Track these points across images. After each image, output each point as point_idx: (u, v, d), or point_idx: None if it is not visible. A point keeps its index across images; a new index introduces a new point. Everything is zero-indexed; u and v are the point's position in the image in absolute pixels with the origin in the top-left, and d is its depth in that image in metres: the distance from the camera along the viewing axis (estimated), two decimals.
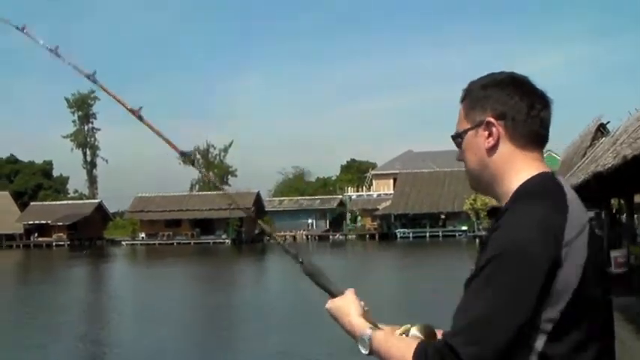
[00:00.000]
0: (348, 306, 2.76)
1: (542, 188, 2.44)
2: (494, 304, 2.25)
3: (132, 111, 3.22)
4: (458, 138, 2.66)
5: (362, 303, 2.78)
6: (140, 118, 3.21)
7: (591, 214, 27.95)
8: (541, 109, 2.53)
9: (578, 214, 2.37)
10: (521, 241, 2.27)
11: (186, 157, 3.47)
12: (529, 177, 2.49)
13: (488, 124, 2.53)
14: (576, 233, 2.31)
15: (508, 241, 2.29)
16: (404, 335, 2.61)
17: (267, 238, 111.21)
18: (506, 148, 2.53)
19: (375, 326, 2.68)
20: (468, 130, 2.61)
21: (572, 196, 2.42)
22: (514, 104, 2.51)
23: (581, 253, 2.31)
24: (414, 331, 2.63)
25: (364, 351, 2.60)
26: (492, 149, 2.55)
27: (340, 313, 2.76)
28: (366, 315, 2.74)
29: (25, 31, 3.36)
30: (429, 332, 2.63)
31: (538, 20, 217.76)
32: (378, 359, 2.55)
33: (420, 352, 2.34)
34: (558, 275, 2.26)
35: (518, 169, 2.52)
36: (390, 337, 2.58)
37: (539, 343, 2.29)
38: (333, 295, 2.86)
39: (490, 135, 2.54)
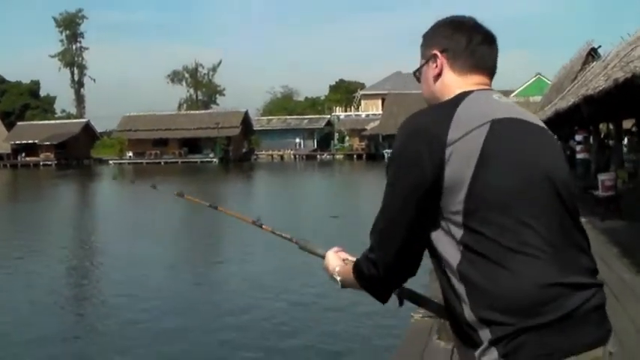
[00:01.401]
0: (328, 263, 3.26)
1: (445, 101, 2.78)
2: (382, 208, 2.75)
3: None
4: (417, 73, 3.05)
5: (345, 255, 3.27)
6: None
7: (580, 138, 27.97)
8: (480, 42, 2.87)
9: (471, 116, 2.62)
10: (397, 149, 2.71)
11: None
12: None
13: (435, 56, 2.91)
14: (463, 133, 2.56)
15: (392, 148, 2.76)
16: None
17: (255, 156, 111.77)
18: (447, 76, 2.89)
19: None
20: (423, 65, 2.99)
21: (473, 101, 2.70)
22: (455, 38, 2.87)
23: (470, 150, 2.55)
24: None
25: (338, 286, 3.18)
26: (437, 77, 2.91)
27: (326, 270, 3.27)
28: (345, 262, 3.21)
29: None
30: None
31: None
32: (351, 287, 3.08)
33: (354, 262, 2.96)
34: (445, 172, 2.55)
35: (453, 92, 2.82)
36: (347, 266, 3.10)
37: (458, 233, 2.57)
38: (323, 258, 3.36)
39: (436, 66, 2.91)
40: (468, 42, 2.86)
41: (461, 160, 2.53)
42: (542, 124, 2.85)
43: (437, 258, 2.68)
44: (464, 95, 2.72)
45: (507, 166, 2.57)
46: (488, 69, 2.91)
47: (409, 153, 2.62)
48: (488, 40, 2.91)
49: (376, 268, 2.76)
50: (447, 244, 2.61)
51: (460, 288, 2.56)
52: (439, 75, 2.90)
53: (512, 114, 2.72)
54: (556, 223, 2.60)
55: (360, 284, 2.91)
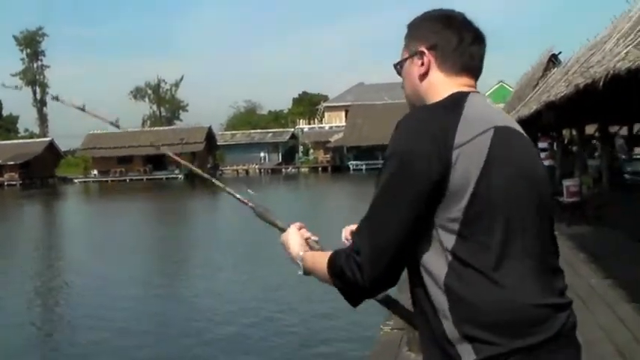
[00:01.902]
0: (290, 238, 3.12)
1: (443, 100, 2.66)
2: (376, 204, 2.56)
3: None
4: (398, 66, 2.92)
5: (308, 234, 3.17)
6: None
7: (544, 145, 28.16)
8: (471, 42, 2.75)
9: (476, 120, 2.53)
10: (400, 146, 2.53)
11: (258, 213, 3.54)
12: (446, 96, 2.69)
13: (421, 54, 2.77)
14: (470, 137, 2.46)
15: (392, 146, 2.57)
16: None
17: (220, 172, 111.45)
18: (435, 75, 2.76)
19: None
20: (406, 59, 2.86)
21: (475, 106, 2.60)
22: (445, 36, 2.74)
23: (477, 155, 2.46)
24: None
25: (300, 272, 3.01)
26: (423, 76, 2.79)
27: (285, 245, 3.14)
28: (310, 244, 3.13)
29: None
30: None
31: None
32: (316, 277, 2.90)
33: (332, 257, 2.71)
34: (450, 176, 2.43)
35: (441, 93, 2.71)
36: (316, 254, 2.95)
37: (450, 242, 2.45)
38: (282, 231, 3.24)
39: (422, 64, 2.78)
40: (458, 41, 2.74)
41: (467, 165, 2.43)
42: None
43: (416, 268, 2.55)
44: (462, 97, 2.63)
45: (509, 174, 2.50)
46: (476, 70, 2.81)
47: (415, 151, 2.46)
48: (478, 39, 2.80)
49: (361, 273, 2.52)
50: (432, 253, 2.49)
51: (442, 301, 2.45)
52: (425, 74, 2.78)
53: (508, 122, 2.66)
54: (543, 235, 2.58)
55: (333, 282, 2.68)
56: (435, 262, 2.47)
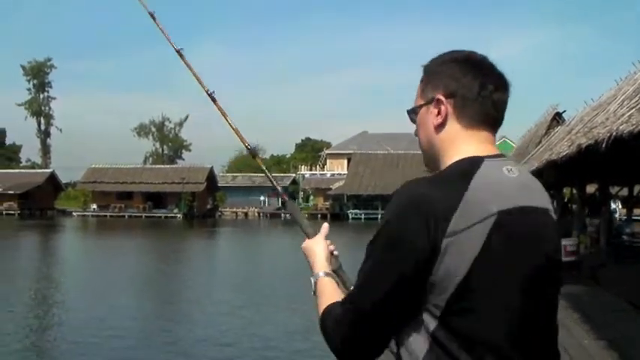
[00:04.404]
0: (315, 247, 2.95)
1: (450, 171, 2.43)
2: (363, 278, 2.38)
3: (208, 93, 3.71)
4: (412, 113, 2.64)
5: (332, 247, 2.99)
6: (214, 100, 3.70)
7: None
8: (493, 90, 2.49)
9: (479, 203, 2.30)
10: (392, 223, 2.33)
11: (251, 151, 3.65)
12: (458, 159, 2.46)
13: (438, 102, 2.51)
14: (466, 226, 2.26)
15: (385, 219, 2.37)
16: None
17: (220, 213, 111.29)
18: (453, 126, 2.51)
19: (334, 272, 2.88)
20: (422, 106, 2.59)
21: (484, 181, 2.35)
22: (465, 83, 2.47)
23: (473, 245, 2.26)
24: None
25: (311, 291, 2.80)
26: (440, 127, 2.52)
27: (309, 252, 2.96)
28: (331, 258, 2.94)
29: None
30: None
31: (496, 4, 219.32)
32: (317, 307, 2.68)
33: (327, 309, 2.55)
34: (438, 263, 2.25)
35: (458, 149, 2.49)
36: (329, 286, 2.76)
37: (431, 325, 2.30)
38: (308, 236, 3.06)
39: (439, 113, 2.51)
40: (480, 88, 2.47)
41: (458, 256, 2.24)
42: (547, 204, 2.55)
43: (398, 344, 2.41)
44: (474, 167, 2.37)
45: (502, 272, 2.29)
46: (498, 121, 2.55)
47: (404, 232, 2.28)
48: (502, 86, 2.53)
49: (339, 333, 2.42)
50: (415, 332, 2.34)
51: None
52: (442, 124, 2.51)
53: (521, 199, 2.40)
54: (536, 324, 2.40)
55: (321, 328, 2.54)
56: (417, 341, 2.34)
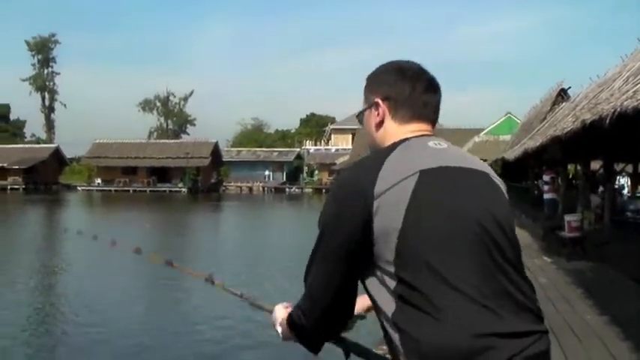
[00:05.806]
0: (275, 316, 3.24)
1: (375, 151, 2.85)
2: (312, 259, 2.79)
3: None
4: (359, 116, 3.07)
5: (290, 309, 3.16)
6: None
7: (548, 178, 28.21)
8: (423, 91, 2.90)
9: (397, 167, 2.61)
10: (326, 204, 2.74)
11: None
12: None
13: (377, 105, 2.93)
14: (390, 184, 2.54)
15: (323, 209, 2.77)
16: None
17: (224, 188, 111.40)
18: (389, 124, 2.92)
19: None
20: (365, 109, 3.02)
21: (408, 150, 2.71)
22: (398, 87, 2.90)
23: (398, 201, 2.53)
24: None
25: (280, 338, 3.16)
26: (379, 125, 2.94)
27: (273, 320, 3.25)
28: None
29: None
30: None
31: None
32: (292, 340, 3.07)
33: (289, 315, 2.98)
34: (374, 223, 2.54)
35: (393, 140, 2.83)
36: (283, 316, 3.11)
37: (392, 284, 2.55)
38: (270, 312, 3.37)
39: (378, 114, 2.94)
40: (410, 90, 2.89)
41: (389, 212, 2.53)
42: (483, 168, 2.84)
43: (375, 306, 2.68)
44: (395, 145, 2.74)
45: (436, 215, 2.54)
46: (430, 117, 2.93)
47: (336, 209, 2.66)
48: (431, 88, 2.95)
49: (305, 318, 2.85)
50: (382, 293, 2.60)
51: (395, 336, 2.53)
52: (381, 123, 2.93)
53: (445, 162, 2.69)
54: (489, 270, 2.53)
55: (292, 334, 2.98)
56: (385, 300, 2.58)
